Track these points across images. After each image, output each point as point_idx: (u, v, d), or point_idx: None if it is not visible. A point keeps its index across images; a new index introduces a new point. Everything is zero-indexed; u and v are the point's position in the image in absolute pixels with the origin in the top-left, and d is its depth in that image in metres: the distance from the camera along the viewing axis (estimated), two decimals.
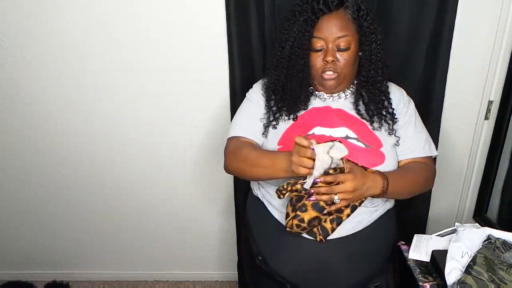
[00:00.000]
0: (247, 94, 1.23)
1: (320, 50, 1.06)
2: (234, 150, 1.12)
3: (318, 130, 1.09)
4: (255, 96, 1.20)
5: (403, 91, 1.22)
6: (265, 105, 1.16)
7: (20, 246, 1.98)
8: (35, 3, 1.47)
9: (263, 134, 1.13)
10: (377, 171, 1.02)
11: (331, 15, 1.03)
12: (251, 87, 1.25)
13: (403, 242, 1.17)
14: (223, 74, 1.57)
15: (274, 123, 1.12)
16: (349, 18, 1.05)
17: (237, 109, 1.24)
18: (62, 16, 1.49)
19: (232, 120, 1.21)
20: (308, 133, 1.08)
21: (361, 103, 1.13)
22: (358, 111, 1.12)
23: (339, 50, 1.05)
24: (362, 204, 1.04)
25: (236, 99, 1.52)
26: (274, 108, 1.14)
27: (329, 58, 1.04)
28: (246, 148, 1.10)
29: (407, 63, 1.49)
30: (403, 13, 1.42)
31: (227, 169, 1.17)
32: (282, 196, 0.98)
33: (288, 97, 1.12)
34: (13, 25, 1.50)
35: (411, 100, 1.21)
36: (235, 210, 1.79)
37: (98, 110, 1.65)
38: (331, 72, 1.07)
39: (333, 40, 1.04)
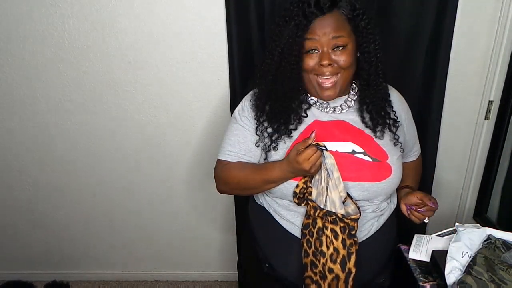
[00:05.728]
0: (236, 113, 1.13)
1: (314, 51, 0.99)
2: (223, 176, 1.12)
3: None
4: (246, 121, 1.10)
5: (403, 98, 1.19)
6: (258, 130, 1.08)
7: (20, 246, 1.98)
8: (35, 3, 1.47)
9: (264, 159, 1.08)
10: (408, 186, 1.16)
11: (324, 17, 0.96)
12: (248, 91, 1.17)
13: (402, 244, 1.17)
14: (223, 74, 1.57)
15: (274, 145, 1.06)
16: (344, 19, 0.98)
17: None
18: (61, 16, 1.49)
19: (222, 142, 1.14)
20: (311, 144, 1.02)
21: (365, 111, 1.08)
22: (363, 118, 1.08)
23: (335, 50, 0.98)
24: (371, 211, 1.06)
25: (236, 99, 1.51)
26: (269, 130, 1.07)
27: (325, 62, 0.97)
28: (235, 172, 1.08)
29: (407, 63, 1.49)
30: (403, 13, 1.42)
31: (221, 192, 1.17)
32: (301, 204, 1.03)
33: (279, 106, 1.04)
34: (13, 25, 1.50)
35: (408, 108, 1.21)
36: (235, 210, 1.79)
37: (97, 110, 1.65)
38: (328, 76, 1.00)
39: (328, 41, 0.97)
